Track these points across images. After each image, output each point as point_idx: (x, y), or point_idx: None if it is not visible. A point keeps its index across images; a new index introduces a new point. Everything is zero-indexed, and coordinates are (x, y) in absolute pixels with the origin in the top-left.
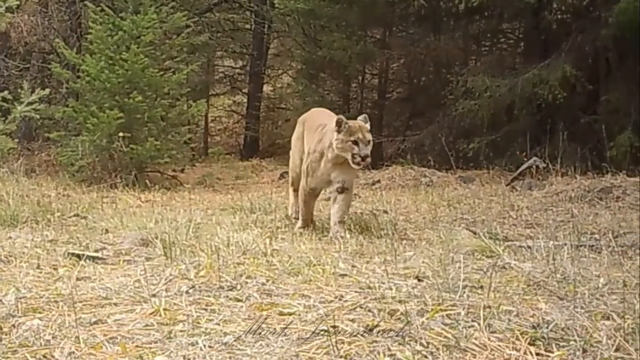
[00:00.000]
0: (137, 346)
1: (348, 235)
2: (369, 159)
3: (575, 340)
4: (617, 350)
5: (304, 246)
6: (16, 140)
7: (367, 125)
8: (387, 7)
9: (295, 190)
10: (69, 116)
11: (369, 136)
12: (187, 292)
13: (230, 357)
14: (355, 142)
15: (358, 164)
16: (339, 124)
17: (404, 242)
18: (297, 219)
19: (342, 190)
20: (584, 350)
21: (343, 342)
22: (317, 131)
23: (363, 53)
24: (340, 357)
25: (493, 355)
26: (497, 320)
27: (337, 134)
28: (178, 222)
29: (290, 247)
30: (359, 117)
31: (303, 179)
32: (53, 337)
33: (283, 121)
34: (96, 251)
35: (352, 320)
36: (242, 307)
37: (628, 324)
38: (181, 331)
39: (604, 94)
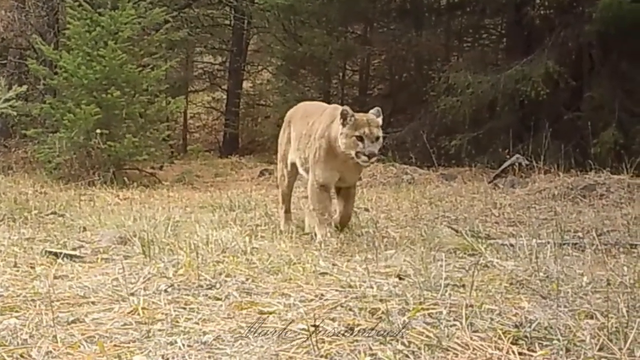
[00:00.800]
0: (115, 345)
1: (334, 240)
2: (375, 158)
3: (558, 340)
4: (600, 349)
5: (284, 244)
6: None
7: (378, 120)
8: (368, 2)
9: (287, 210)
10: (46, 113)
11: (377, 132)
12: (165, 290)
13: (209, 357)
14: (360, 138)
15: (363, 162)
16: (343, 116)
17: (385, 240)
18: (314, 233)
19: (347, 187)
20: (567, 350)
21: (323, 342)
22: (319, 118)
23: (344, 49)
24: (321, 356)
25: (475, 354)
26: (479, 320)
27: (342, 128)
28: (157, 220)
29: (270, 245)
30: (372, 110)
31: (311, 173)
32: (30, 336)
33: (263, 118)
34: (74, 249)
35: (333, 319)
36: (221, 306)
37: (612, 323)
38: (160, 330)
39: (587, 91)
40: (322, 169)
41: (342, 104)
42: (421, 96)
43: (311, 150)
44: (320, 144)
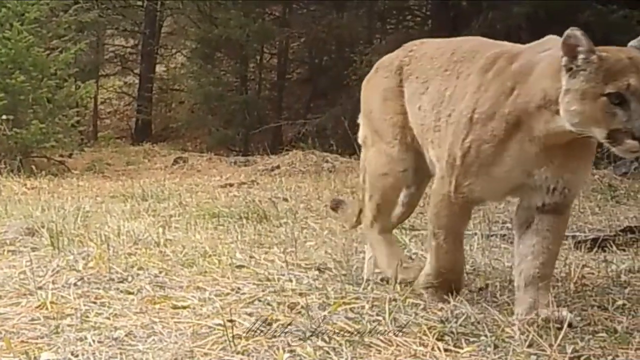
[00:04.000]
0: (22, 341)
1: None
2: None
3: (486, 335)
4: (530, 345)
5: (199, 235)
6: None
7: None
8: None
9: (386, 227)
10: None
11: None
12: (75, 284)
13: (120, 353)
14: (620, 99)
15: (629, 152)
16: (571, 50)
17: (305, 231)
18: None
19: (554, 205)
20: (495, 346)
21: (240, 338)
22: (478, 71)
23: (261, 31)
24: (237, 353)
25: (399, 351)
26: (403, 314)
27: (568, 77)
28: (66, 211)
29: (185, 236)
30: (632, 42)
31: (445, 181)
32: None
33: (177, 103)
34: None
35: (250, 314)
36: (133, 300)
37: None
38: (69, 326)
39: None
40: (478, 176)
41: (259, 89)
42: (342, 80)
43: (457, 135)
44: (480, 129)
